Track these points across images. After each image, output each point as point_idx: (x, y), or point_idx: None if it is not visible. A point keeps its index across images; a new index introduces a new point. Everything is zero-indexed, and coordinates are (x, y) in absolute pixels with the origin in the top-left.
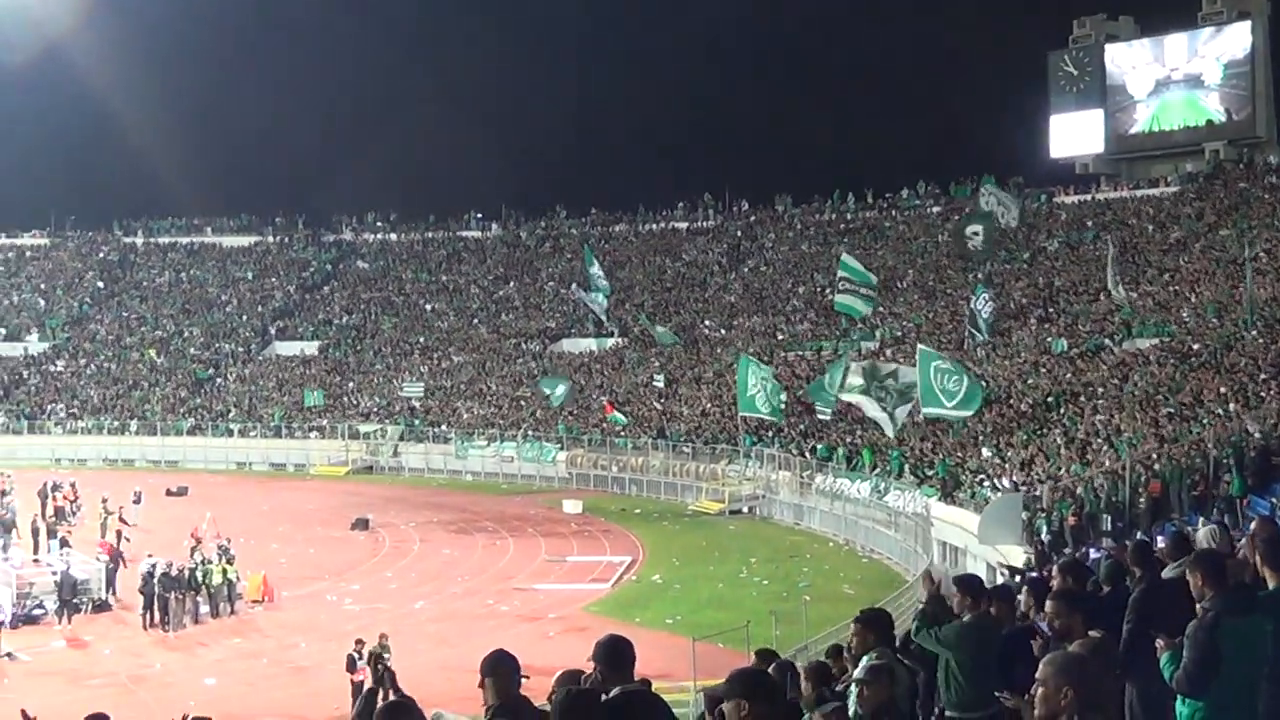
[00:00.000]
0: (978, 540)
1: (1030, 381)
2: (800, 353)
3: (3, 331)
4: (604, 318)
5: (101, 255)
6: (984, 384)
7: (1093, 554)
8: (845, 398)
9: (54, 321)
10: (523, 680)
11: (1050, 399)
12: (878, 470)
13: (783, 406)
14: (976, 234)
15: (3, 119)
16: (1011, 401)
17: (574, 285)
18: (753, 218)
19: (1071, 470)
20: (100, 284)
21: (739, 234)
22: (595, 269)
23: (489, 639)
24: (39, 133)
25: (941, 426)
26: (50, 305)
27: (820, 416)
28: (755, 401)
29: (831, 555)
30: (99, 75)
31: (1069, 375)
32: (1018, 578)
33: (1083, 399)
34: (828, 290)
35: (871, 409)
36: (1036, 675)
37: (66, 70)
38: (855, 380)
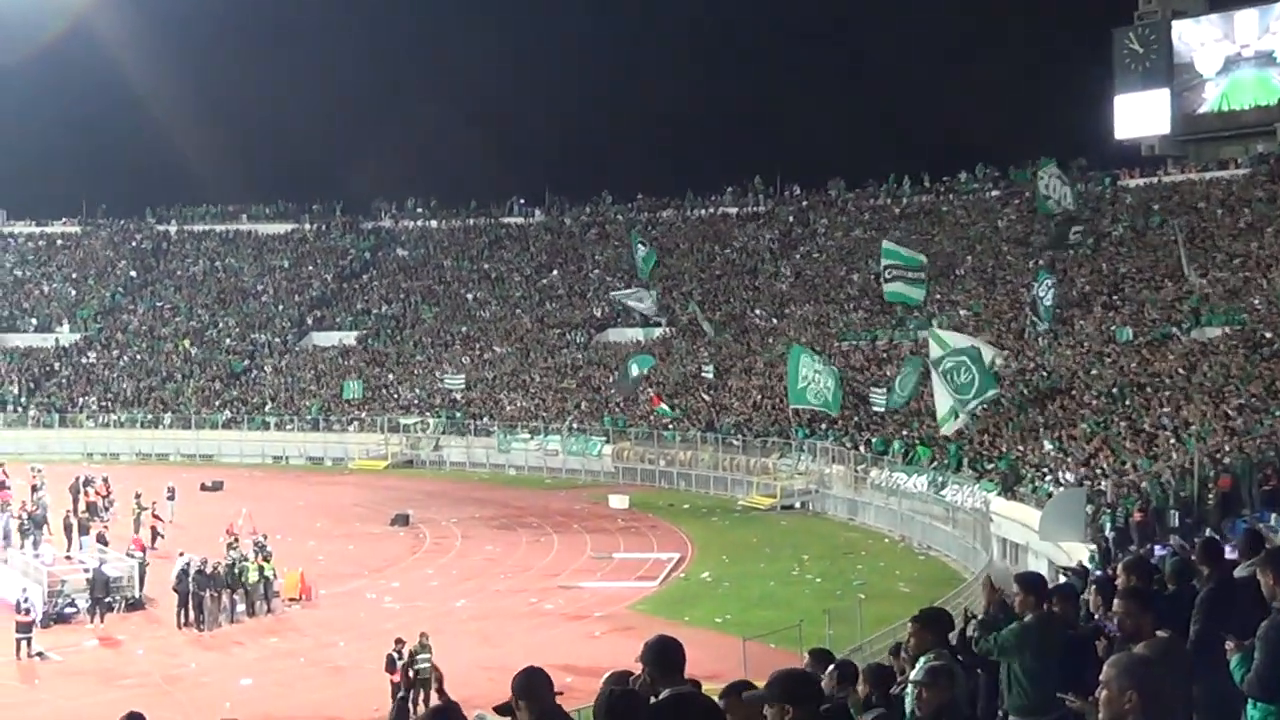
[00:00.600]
0: (1039, 537)
1: (1094, 372)
2: (854, 343)
3: (33, 322)
4: (650, 313)
5: (134, 244)
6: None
7: (1159, 551)
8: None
9: (85, 312)
10: (558, 694)
11: (1115, 390)
12: (935, 464)
13: (837, 398)
14: (1079, 232)
15: (32, 103)
16: (1075, 393)
17: (619, 291)
18: (805, 202)
19: (1137, 464)
20: (133, 273)
21: (791, 219)
22: (643, 253)
23: (532, 638)
24: (69, 117)
25: (1002, 417)
26: (81, 295)
27: (875, 408)
28: (807, 393)
29: (887, 552)
30: (130, 58)
31: (1135, 365)
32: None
33: (1149, 390)
34: (882, 276)
35: (943, 406)
36: (1100, 677)
37: (97, 52)
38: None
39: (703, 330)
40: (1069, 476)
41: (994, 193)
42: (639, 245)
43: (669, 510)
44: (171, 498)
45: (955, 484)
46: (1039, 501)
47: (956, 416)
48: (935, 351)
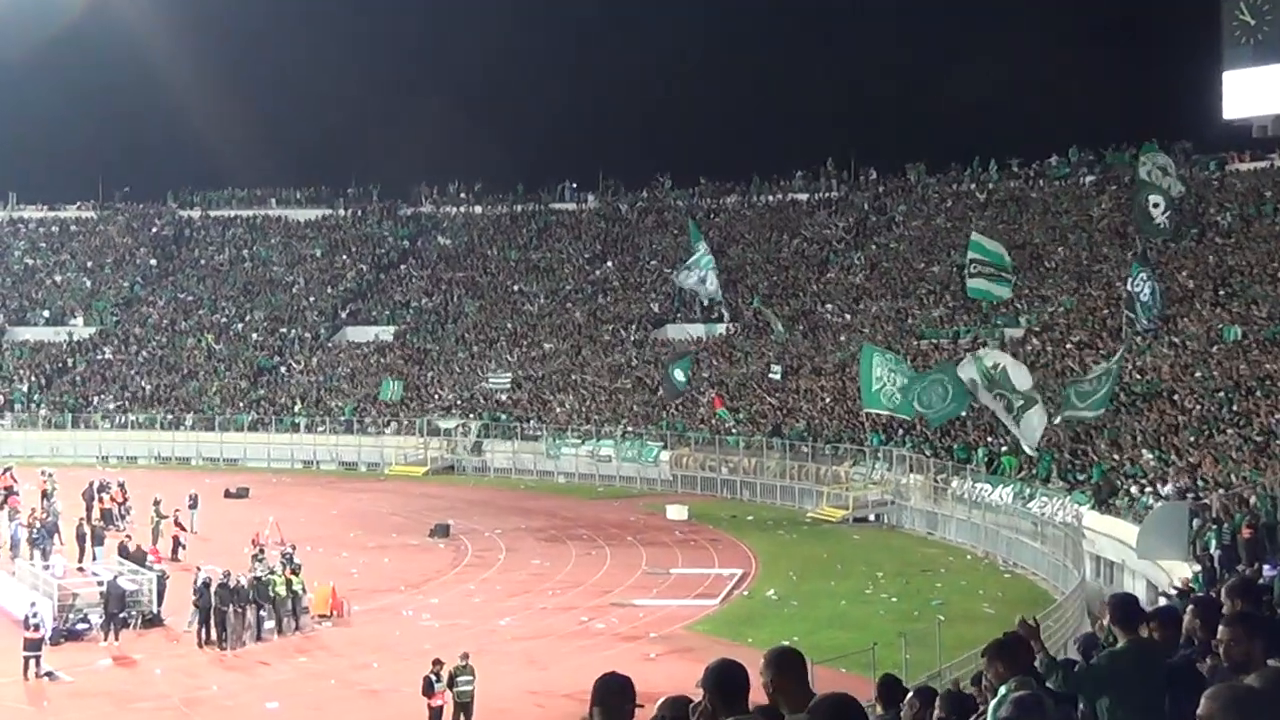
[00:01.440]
0: (1136, 554)
1: (1199, 375)
2: (935, 340)
3: (45, 314)
4: (715, 298)
5: (154, 230)
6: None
7: (1268, 572)
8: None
9: (101, 304)
10: (637, 709)
11: (1222, 394)
12: (1023, 474)
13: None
14: (1158, 206)
15: (46, 79)
16: (1177, 397)
17: (678, 273)
18: (881, 188)
19: (1246, 475)
20: (153, 262)
21: (866, 206)
22: (701, 246)
23: (582, 660)
24: (86, 94)
25: (1095, 424)
26: (97, 285)
27: (959, 413)
28: (880, 396)
29: (969, 570)
30: (150, 31)
31: (1243, 367)
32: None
33: (1259, 394)
34: (966, 270)
35: (1002, 415)
36: (1199, 711)
37: (114, 25)
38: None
39: (770, 328)
40: (1170, 489)
41: (1088, 178)
42: (699, 243)
43: (731, 522)
44: (194, 506)
45: (1044, 496)
46: (1137, 516)
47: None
48: (968, 371)
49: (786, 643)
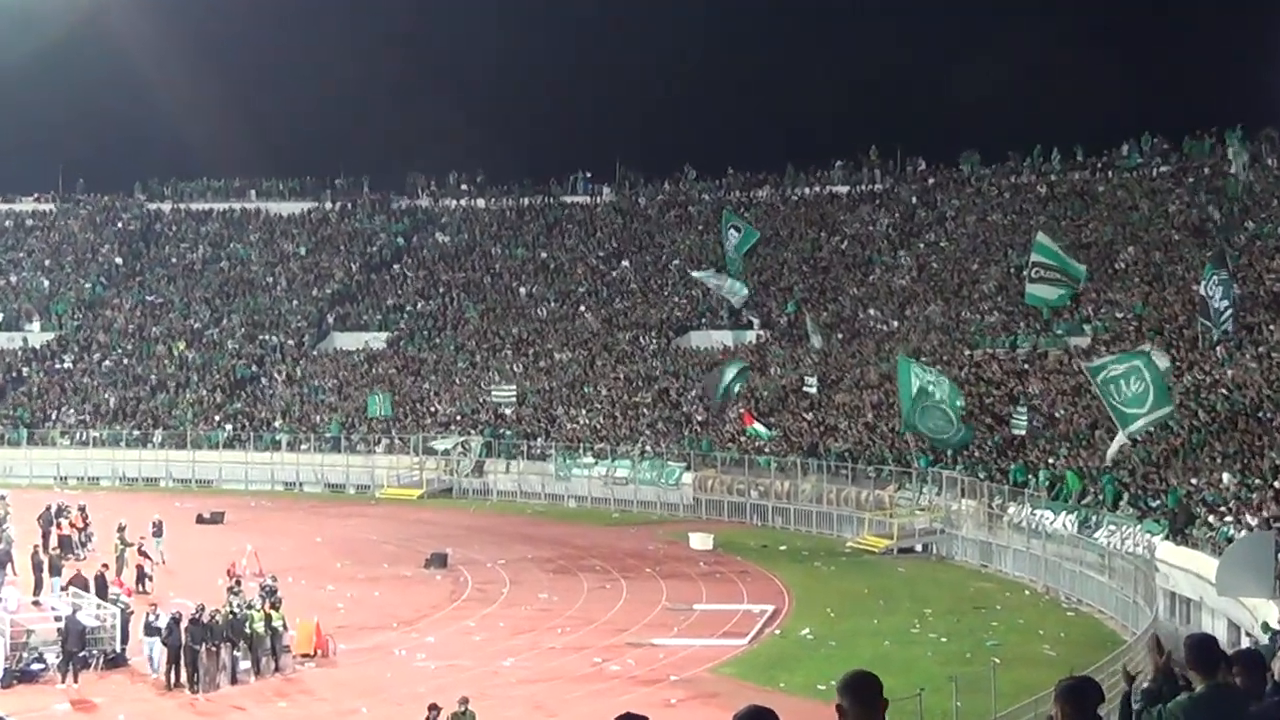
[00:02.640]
0: (1215, 591)
1: None
2: (989, 350)
3: None
4: (740, 308)
5: (119, 224)
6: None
7: None
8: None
9: (61, 307)
10: None
11: None
12: (1088, 499)
13: (962, 415)
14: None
15: None
16: (1262, 414)
17: (702, 271)
18: (931, 180)
19: None
20: (118, 260)
21: (913, 200)
22: (735, 239)
23: (595, 706)
24: (43, 74)
25: (1171, 444)
26: (56, 286)
27: (1015, 431)
28: (926, 416)
29: (1028, 606)
30: (116, 4)
31: None
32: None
33: None
34: (1026, 274)
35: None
36: None
37: None
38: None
39: (807, 335)
40: (1253, 518)
41: (1163, 169)
42: (730, 230)
43: (762, 552)
44: (159, 533)
45: (1112, 524)
46: (1216, 547)
47: (1126, 429)
48: (1096, 358)
49: (757, 704)
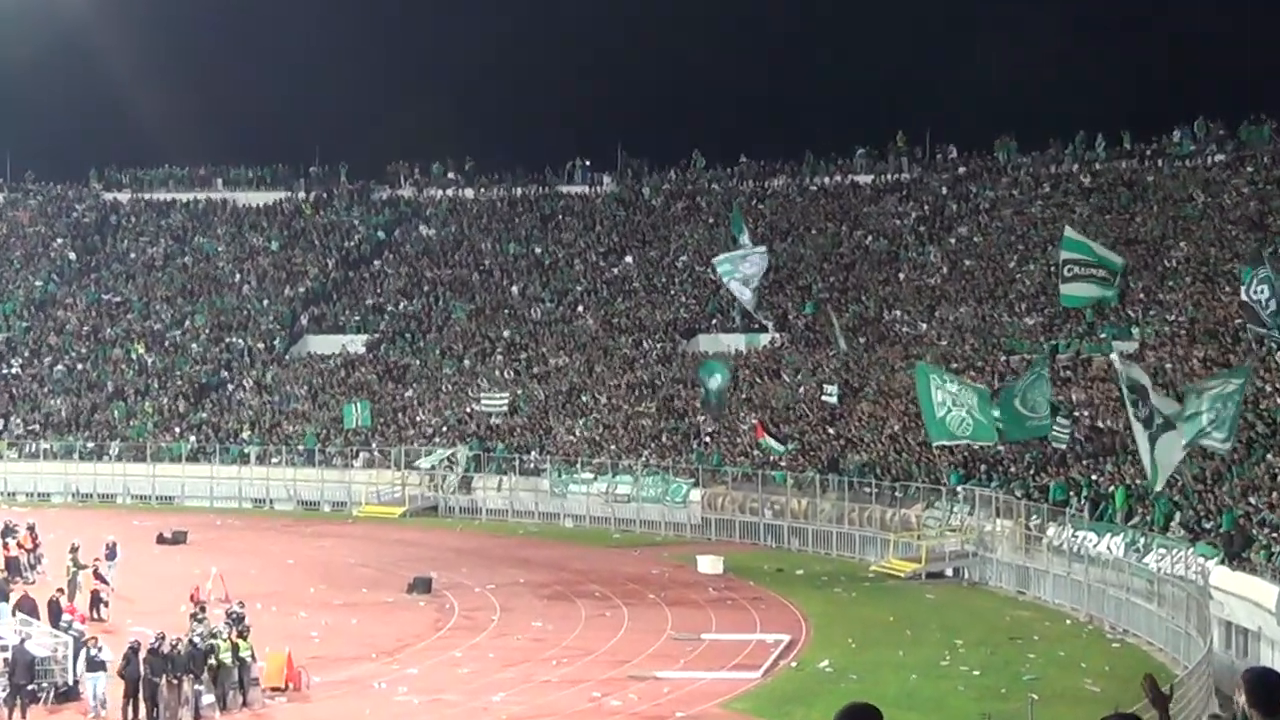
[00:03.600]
0: (1276, 620)
1: None
2: (1027, 356)
3: None
4: (752, 310)
5: (73, 216)
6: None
7: None
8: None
9: (8, 306)
10: None
11: None
12: (1135, 520)
13: (999, 426)
14: None
15: None
16: None
17: (719, 261)
18: (963, 169)
19: None
20: (71, 255)
21: (944, 191)
22: (745, 240)
23: None
24: None
25: (1224, 461)
26: (4, 284)
27: (1056, 444)
28: (948, 423)
29: (1069, 637)
30: None
31: None
32: None
33: None
34: (1060, 274)
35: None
36: None
37: None
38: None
39: (830, 339)
40: None
41: (1218, 157)
42: (742, 231)
43: (777, 577)
44: (112, 556)
45: (1162, 548)
46: (1276, 573)
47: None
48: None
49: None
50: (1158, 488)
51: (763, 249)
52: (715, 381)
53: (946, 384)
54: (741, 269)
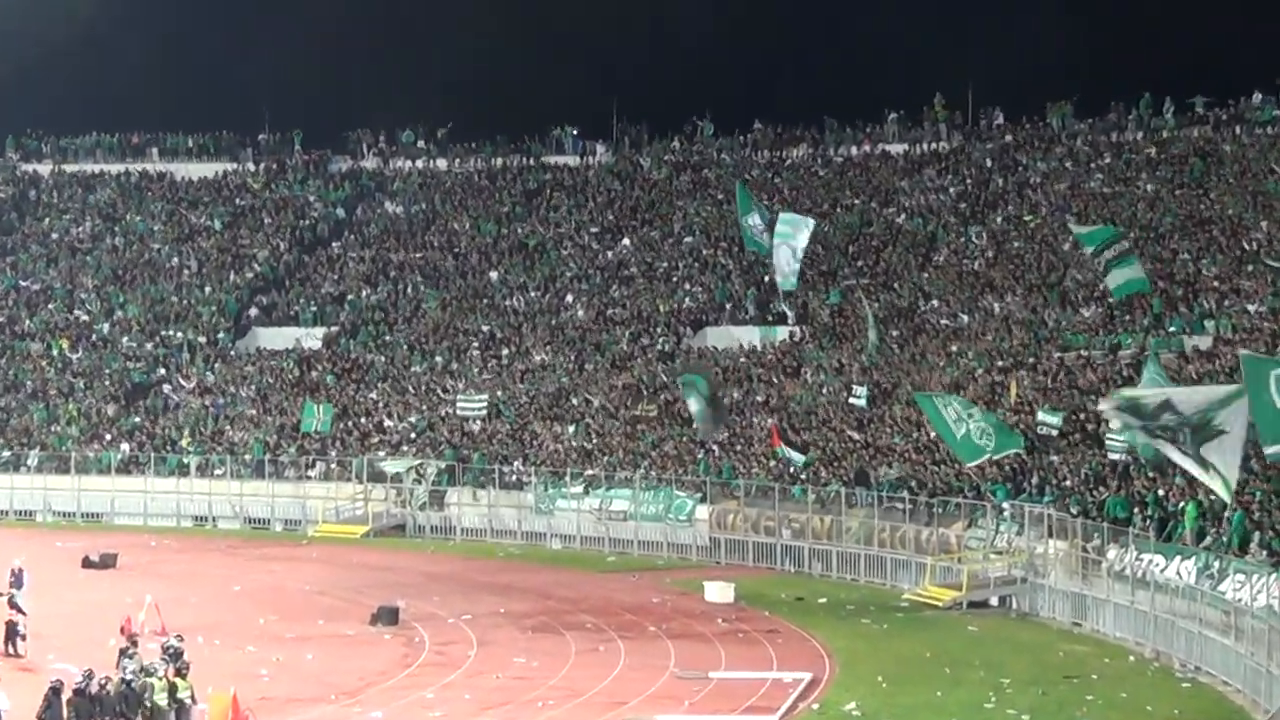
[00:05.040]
0: None
1: None
2: (1084, 353)
3: None
4: (790, 288)
5: None
6: None
7: None
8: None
9: None
10: None
11: None
12: (1208, 541)
13: (1022, 435)
14: None
15: None
16: None
17: (785, 219)
18: (1010, 137)
19: None
20: None
21: (989, 163)
22: (755, 220)
23: None
24: None
25: None
26: None
27: (1115, 455)
28: (972, 438)
29: (1132, 676)
30: None
31: None
32: None
33: None
34: (1097, 271)
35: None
36: None
37: None
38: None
39: (860, 332)
40: None
41: None
42: (750, 211)
43: (796, 606)
44: (18, 584)
45: (1240, 573)
46: None
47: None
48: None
49: None
50: (1227, 498)
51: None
52: (694, 403)
53: (952, 403)
54: (801, 235)
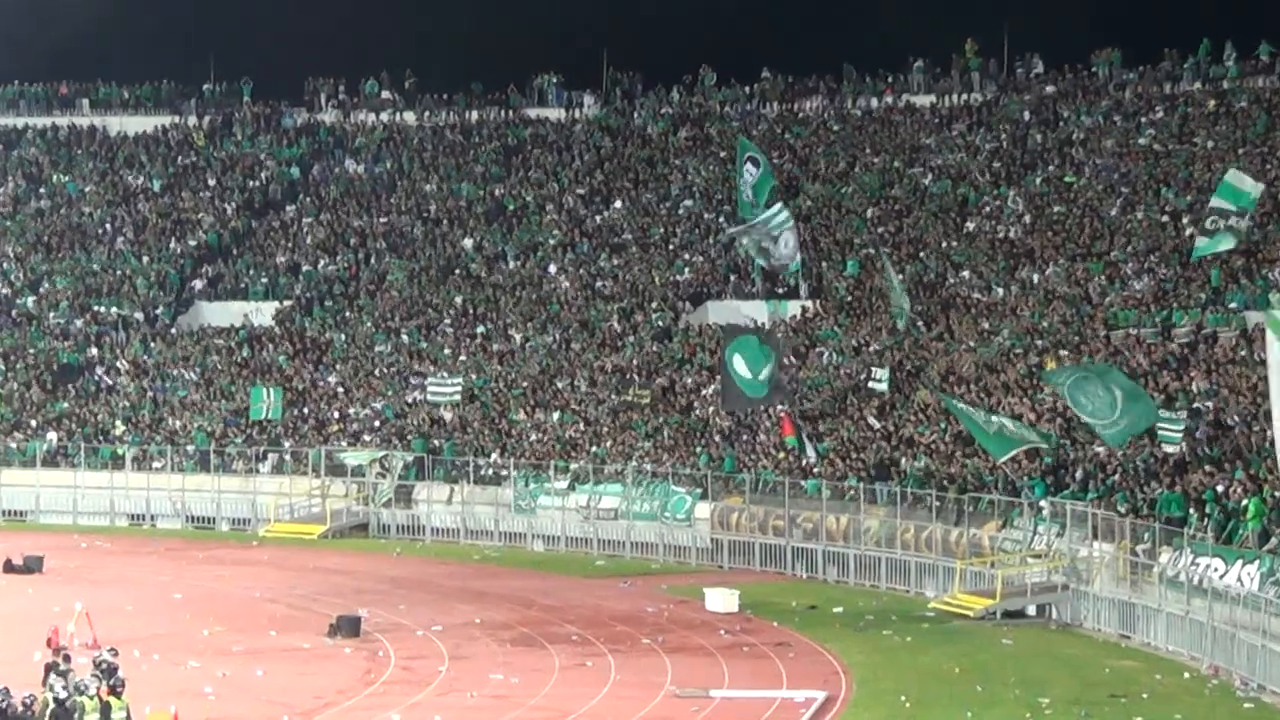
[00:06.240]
0: None
1: None
2: (1134, 332)
3: None
4: (793, 265)
5: None
6: None
7: None
8: None
9: None
10: None
11: None
12: (1274, 543)
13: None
14: None
15: None
16: None
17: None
18: (1050, 88)
19: None
20: None
21: (1028, 116)
22: (753, 176)
23: None
24: None
25: None
26: None
27: (1168, 446)
28: (1005, 433)
29: (1187, 695)
30: None
31: None
32: None
33: None
34: (1186, 218)
35: None
36: None
37: None
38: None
39: (886, 306)
40: None
41: None
42: (747, 165)
43: (808, 617)
44: None
45: None
46: None
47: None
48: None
49: None
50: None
51: (778, 210)
52: (750, 369)
53: (977, 410)
54: (759, 232)
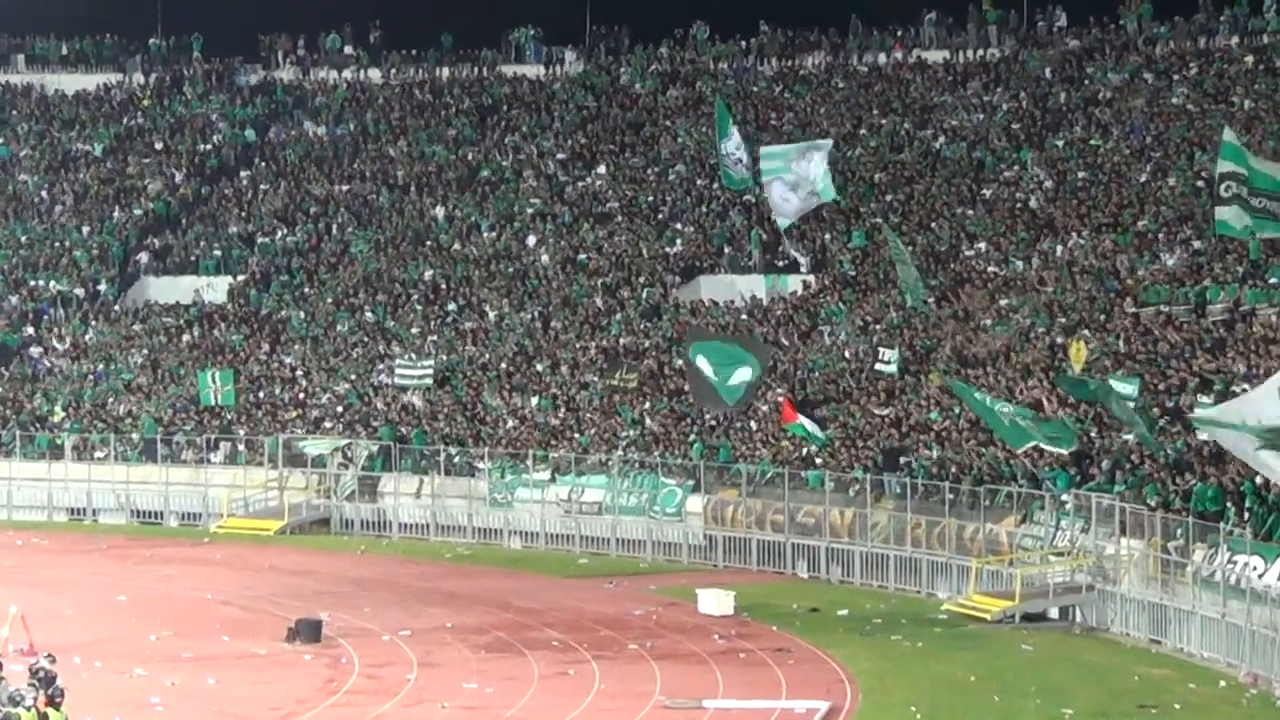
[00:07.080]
0: None
1: None
2: (1164, 307)
3: None
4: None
5: None
6: None
7: None
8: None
9: None
10: None
11: None
12: None
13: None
14: None
15: None
16: None
17: (728, 147)
18: (1074, 43)
19: None
20: None
21: (1049, 74)
22: (733, 145)
23: None
24: None
25: None
26: None
27: (1203, 435)
28: (1021, 425)
29: (1223, 704)
30: None
31: None
32: None
33: None
34: (1214, 190)
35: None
36: None
37: None
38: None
39: (895, 279)
40: None
41: None
42: (728, 138)
43: (810, 619)
44: None
45: None
46: None
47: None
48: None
49: None
50: None
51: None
52: (711, 371)
53: (987, 396)
54: (797, 167)
